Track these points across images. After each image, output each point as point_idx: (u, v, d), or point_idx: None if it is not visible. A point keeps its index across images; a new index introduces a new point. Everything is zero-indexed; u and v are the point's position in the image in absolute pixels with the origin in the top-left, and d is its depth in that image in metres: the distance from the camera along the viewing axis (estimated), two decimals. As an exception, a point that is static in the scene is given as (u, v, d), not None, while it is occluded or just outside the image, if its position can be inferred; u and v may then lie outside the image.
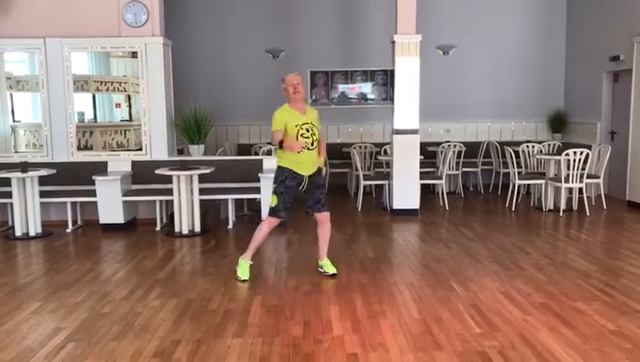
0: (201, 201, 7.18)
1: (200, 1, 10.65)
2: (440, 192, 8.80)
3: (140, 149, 7.81)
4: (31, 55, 7.79)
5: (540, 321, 4.04)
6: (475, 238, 6.65)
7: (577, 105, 10.33)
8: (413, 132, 7.92)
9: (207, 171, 7.11)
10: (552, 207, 8.21)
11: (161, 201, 7.49)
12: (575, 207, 8.15)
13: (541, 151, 8.99)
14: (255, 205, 8.01)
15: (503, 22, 10.72)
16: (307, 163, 4.99)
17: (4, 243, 6.78)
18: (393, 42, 7.86)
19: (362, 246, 6.34)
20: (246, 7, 10.67)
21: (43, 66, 7.55)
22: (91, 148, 8.07)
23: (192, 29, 10.54)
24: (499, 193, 9.71)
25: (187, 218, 7.01)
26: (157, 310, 4.39)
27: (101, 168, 7.47)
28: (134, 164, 7.63)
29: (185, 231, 7.00)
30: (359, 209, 8.54)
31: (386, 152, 9.22)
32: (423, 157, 8.22)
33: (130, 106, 8.86)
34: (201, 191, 7.18)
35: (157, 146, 7.74)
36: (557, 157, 8.02)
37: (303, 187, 5.02)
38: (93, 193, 7.25)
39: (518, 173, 8.56)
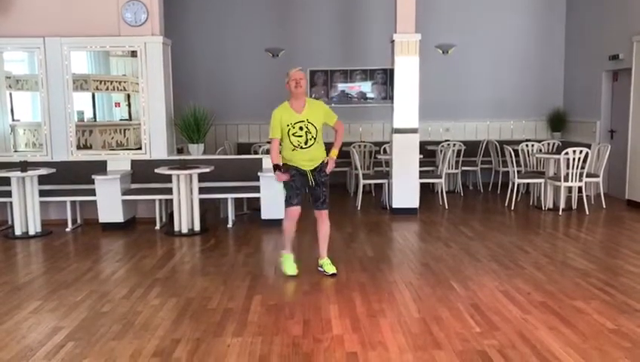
0: (201, 200, 7.18)
1: (200, 0, 10.64)
2: (439, 191, 8.80)
3: (140, 148, 7.81)
4: (30, 54, 7.78)
5: (539, 320, 4.05)
6: (475, 237, 6.65)
7: (577, 104, 10.33)
8: (413, 131, 7.92)
9: (207, 170, 7.11)
10: (551, 206, 8.21)
11: (160, 200, 7.49)
12: (574, 205, 8.15)
13: (540, 150, 8.99)
14: (254, 204, 8.01)
15: (503, 21, 10.72)
16: (301, 161, 5.03)
17: (3, 243, 6.78)
18: (393, 41, 7.86)
19: (362, 245, 6.35)
20: (246, 6, 10.67)
21: (42, 65, 7.55)
22: (91, 148, 8.07)
23: (191, 28, 10.54)
24: (498, 192, 9.71)
25: (187, 217, 7.01)
26: (157, 309, 4.39)
27: (100, 167, 7.47)
28: (134, 163, 7.64)
29: (184, 230, 7.00)
30: (359, 208, 8.55)
31: (385, 151, 9.22)
32: (422, 156, 8.21)
33: (129, 105, 8.85)
34: (201, 190, 7.18)
35: (156, 145, 7.73)
36: (556, 156, 8.02)
37: (310, 181, 5.07)
38: (92, 192, 7.25)
39: (518, 172, 8.57)
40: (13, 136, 8.14)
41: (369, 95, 11.02)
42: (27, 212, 7.01)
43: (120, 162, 7.61)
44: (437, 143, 9.75)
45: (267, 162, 7.49)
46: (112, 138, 8.55)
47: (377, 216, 8.06)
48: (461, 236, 6.74)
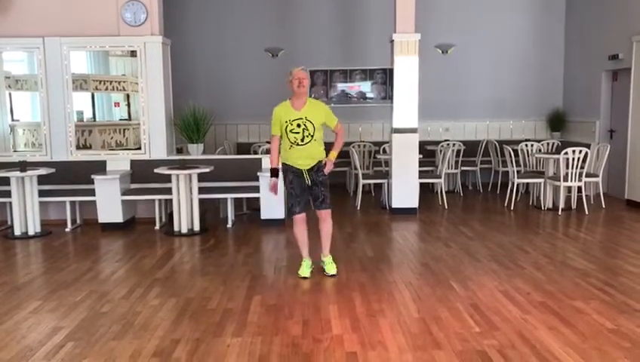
0: (200, 200, 7.18)
1: (199, 0, 10.63)
2: (439, 191, 8.80)
3: (139, 148, 7.81)
4: (30, 54, 7.78)
5: (539, 320, 4.05)
6: (474, 237, 6.66)
7: (576, 103, 10.33)
8: (412, 131, 7.92)
9: (207, 170, 7.11)
10: (550, 206, 8.21)
11: (160, 200, 7.49)
12: (574, 205, 8.15)
13: (540, 150, 8.99)
14: (254, 204, 8.01)
15: (503, 21, 10.71)
16: (298, 158, 5.03)
17: (3, 243, 6.77)
18: (392, 41, 7.86)
19: (361, 245, 6.35)
20: (245, 6, 10.66)
21: (42, 65, 7.55)
22: (90, 148, 8.07)
23: (191, 28, 10.53)
24: (498, 192, 9.71)
25: (186, 217, 7.01)
26: (156, 309, 4.39)
27: (100, 167, 7.47)
28: (133, 163, 7.63)
29: (184, 231, 7.00)
30: (358, 208, 8.55)
31: (385, 151, 9.22)
32: (422, 156, 8.21)
33: (129, 105, 8.85)
34: (200, 190, 7.18)
35: (156, 145, 7.73)
36: (556, 156, 8.02)
37: (307, 180, 5.07)
38: (92, 192, 7.24)
39: (517, 171, 8.57)
40: (12, 136, 8.13)
41: (368, 95, 11.01)
42: (27, 212, 7.00)
43: (119, 162, 7.61)
44: (436, 143, 9.75)
45: (267, 162, 7.48)
46: (112, 138, 8.55)
47: (377, 215, 8.06)
48: (461, 236, 6.74)
